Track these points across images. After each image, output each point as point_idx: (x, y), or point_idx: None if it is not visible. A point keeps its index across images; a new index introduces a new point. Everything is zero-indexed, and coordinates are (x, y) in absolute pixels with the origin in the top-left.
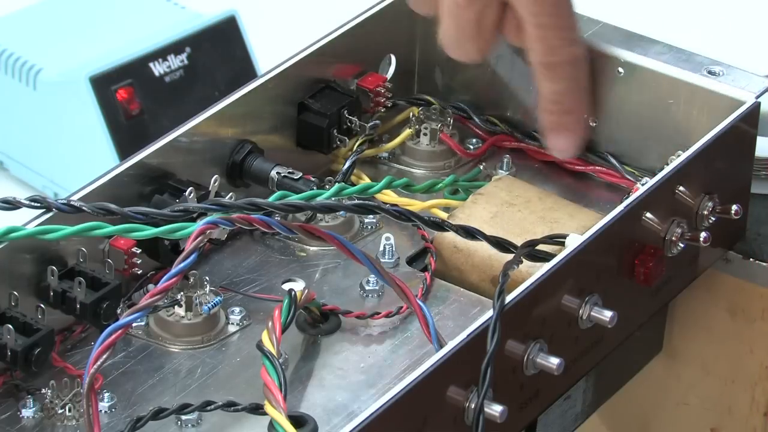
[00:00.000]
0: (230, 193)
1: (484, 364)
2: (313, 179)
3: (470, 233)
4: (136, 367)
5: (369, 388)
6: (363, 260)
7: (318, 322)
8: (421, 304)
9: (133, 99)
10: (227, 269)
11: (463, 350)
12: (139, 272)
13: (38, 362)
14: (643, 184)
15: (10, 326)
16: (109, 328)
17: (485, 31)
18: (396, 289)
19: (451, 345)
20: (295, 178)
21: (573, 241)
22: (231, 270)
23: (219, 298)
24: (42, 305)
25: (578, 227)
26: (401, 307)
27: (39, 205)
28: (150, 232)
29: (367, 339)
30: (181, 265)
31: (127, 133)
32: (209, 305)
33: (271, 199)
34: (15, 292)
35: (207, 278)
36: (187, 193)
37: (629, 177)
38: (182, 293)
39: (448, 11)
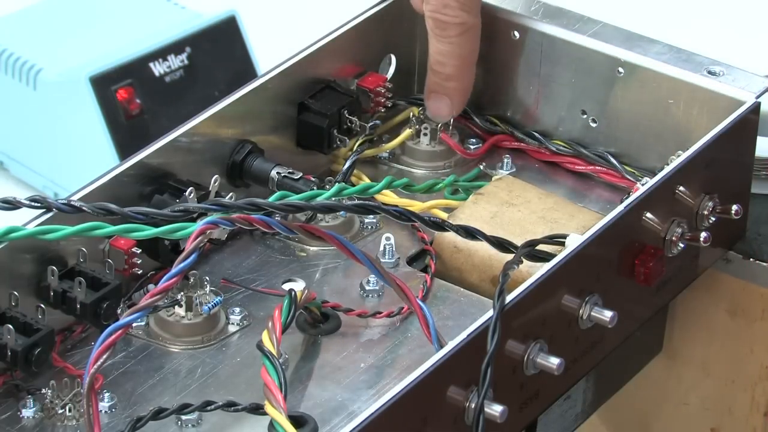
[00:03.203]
0: (230, 193)
1: (484, 364)
2: (313, 179)
3: (470, 233)
4: (136, 367)
5: (369, 388)
6: (363, 260)
7: (318, 322)
8: (421, 304)
9: (133, 99)
10: (227, 269)
11: (463, 350)
12: (139, 272)
13: (38, 362)
14: (643, 184)
15: (10, 326)
16: (109, 328)
17: None
18: (396, 289)
19: (451, 345)
20: (295, 178)
21: (573, 241)
22: (231, 270)
23: (219, 298)
24: (42, 305)
25: (578, 227)
26: (402, 308)
27: (39, 205)
28: (150, 232)
29: (367, 339)
30: (181, 265)
31: (127, 133)
32: (209, 305)
33: (271, 199)
34: (15, 292)
35: (207, 278)
36: (187, 193)
37: (629, 177)
38: (182, 293)
39: None
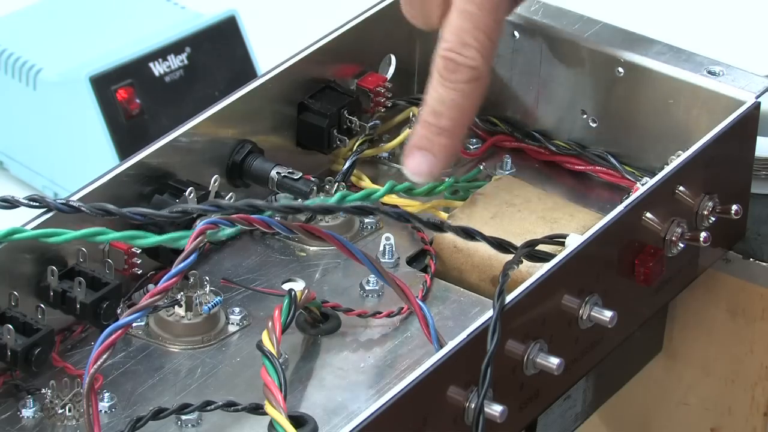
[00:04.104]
0: (230, 194)
1: (484, 364)
2: (313, 179)
3: (470, 234)
4: (136, 367)
5: (369, 388)
6: (363, 260)
7: (318, 322)
8: (421, 304)
9: (133, 99)
10: (227, 269)
11: (463, 350)
12: (139, 272)
13: (38, 362)
14: (643, 184)
15: (10, 326)
16: (109, 328)
17: (430, 2)
18: (396, 289)
19: (451, 345)
20: (295, 178)
21: (573, 241)
22: (231, 270)
23: (219, 298)
24: (42, 305)
25: (578, 227)
26: (402, 308)
27: (38, 204)
28: (153, 240)
29: (367, 339)
30: (181, 265)
31: (127, 133)
32: (209, 305)
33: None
34: (15, 292)
35: (207, 278)
36: (187, 193)
37: (629, 177)
38: (182, 293)
39: None
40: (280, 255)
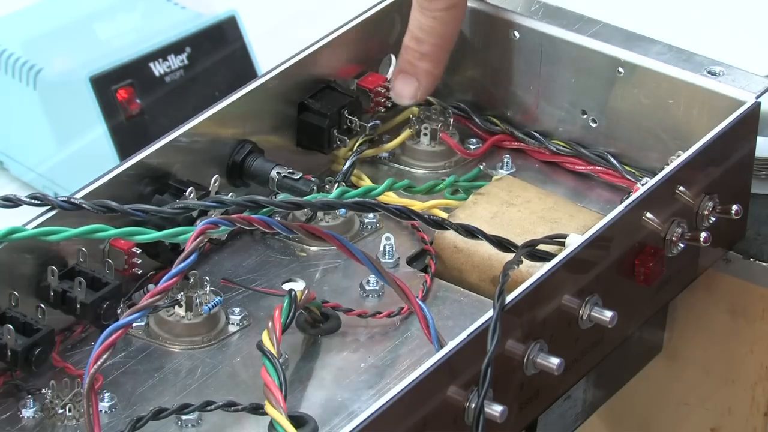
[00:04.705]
0: (230, 193)
1: (484, 364)
2: (313, 179)
3: (470, 232)
4: (137, 367)
5: (369, 388)
6: (363, 260)
7: (318, 322)
8: (422, 304)
9: (133, 99)
10: (227, 269)
11: (463, 350)
12: (139, 272)
13: (38, 362)
14: (643, 184)
15: (10, 326)
16: (109, 328)
17: None
18: (396, 289)
19: (451, 345)
20: (295, 178)
21: (573, 241)
22: (231, 270)
23: (219, 298)
24: (42, 305)
25: (578, 227)
26: (402, 308)
27: (39, 202)
28: (153, 235)
29: (368, 339)
30: (182, 265)
31: (127, 133)
32: (209, 305)
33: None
34: (15, 292)
35: (207, 278)
36: (187, 193)
37: (629, 177)
38: (182, 293)
39: None
40: (280, 255)
